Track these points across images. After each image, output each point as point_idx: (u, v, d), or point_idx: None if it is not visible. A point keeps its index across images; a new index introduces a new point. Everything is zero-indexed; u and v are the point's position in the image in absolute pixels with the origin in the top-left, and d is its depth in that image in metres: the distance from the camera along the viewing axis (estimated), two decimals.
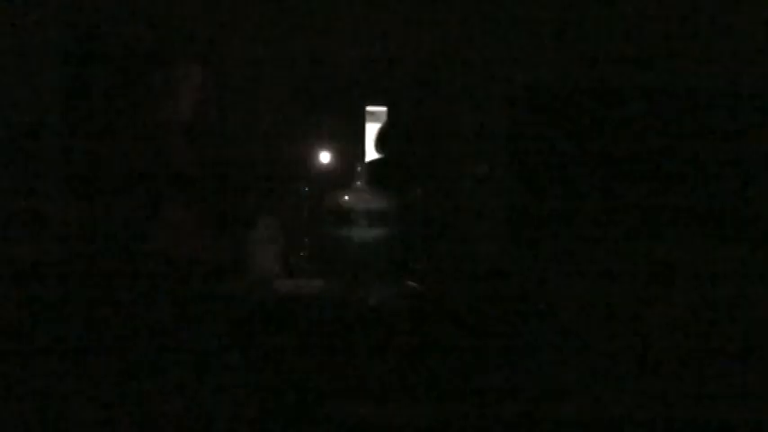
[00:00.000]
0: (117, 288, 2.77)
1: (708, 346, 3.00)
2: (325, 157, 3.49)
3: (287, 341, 2.73)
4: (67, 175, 3.10)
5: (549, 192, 3.63)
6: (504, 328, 2.85)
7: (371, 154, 3.73)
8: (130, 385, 2.71)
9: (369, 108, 3.80)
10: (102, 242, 2.99)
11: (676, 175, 3.66)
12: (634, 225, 3.65)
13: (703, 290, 3.20)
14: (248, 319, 2.77)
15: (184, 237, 3.03)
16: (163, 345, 2.71)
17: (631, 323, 3.06)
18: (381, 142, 3.62)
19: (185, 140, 2.95)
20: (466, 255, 3.34)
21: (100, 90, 3.10)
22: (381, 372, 2.73)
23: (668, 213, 3.64)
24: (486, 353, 2.80)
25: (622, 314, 3.08)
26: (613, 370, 2.88)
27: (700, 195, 3.64)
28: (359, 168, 2.91)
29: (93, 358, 2.71)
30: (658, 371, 2.93)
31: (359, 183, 2.91)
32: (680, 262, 3.39)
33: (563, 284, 3.17)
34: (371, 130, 3.75)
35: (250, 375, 2.74)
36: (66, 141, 3.15)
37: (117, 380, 2.71)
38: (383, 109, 3.76)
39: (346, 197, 2.86)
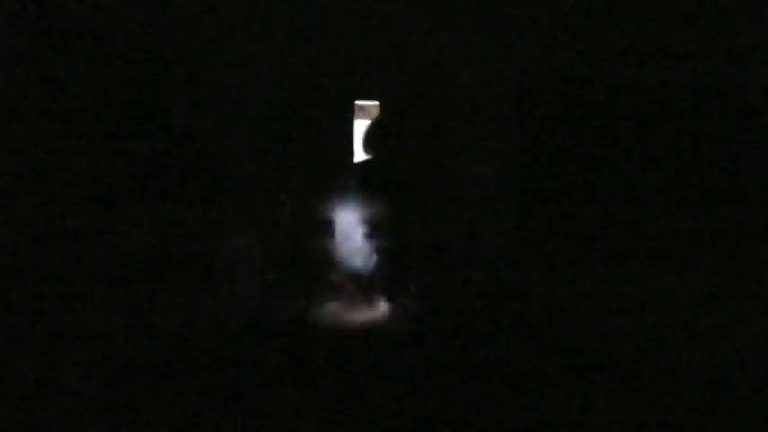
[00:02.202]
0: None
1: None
2: (307, 158, 3.26)
3: (262, 369, 2.60)
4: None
5: (563, 198, 3.42)
6: (510, 351, 2.78)
7: (360, 155, 3.43)
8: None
9: (358, 102, 3.53)
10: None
11: (701, 178, 3.50)
12: (653, 237, 3.47)
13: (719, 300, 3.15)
14: (219, 343, 2.56)
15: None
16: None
17: (647, 341, 3.02)
18: (371, 141, 3.39)
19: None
20: (468, 270, 3.09)
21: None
22: (372, 404, 2.59)
23: (691, 222, 3.50)
24: (490, 381, 2.70)
25: (639, 335, 3.04)
26: (625, 395, 2.82)
27: (724, 201, 3.51)
28: (346, 172, 2.67)
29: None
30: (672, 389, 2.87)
31: (346, 188, 2.74)
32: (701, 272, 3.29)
33: (577, 302, 3.07)
34: (361, 127, 3.49)
35: (223, 409, 2.58)
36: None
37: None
38: (374, 104, 3.51)
39: (331, 205, 2.69)
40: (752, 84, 3.56)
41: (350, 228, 2.67)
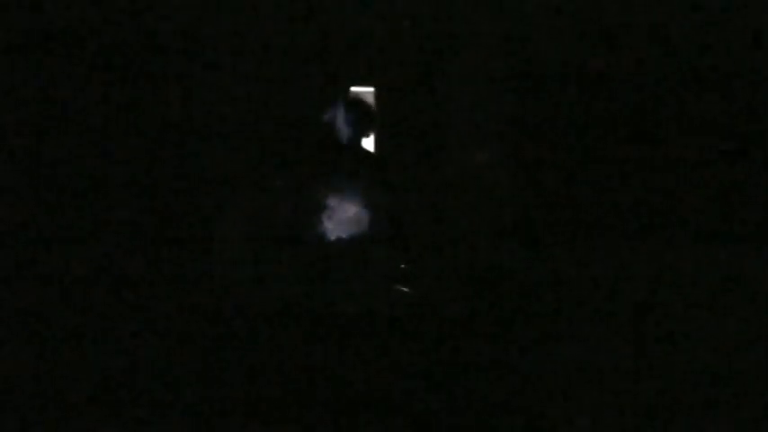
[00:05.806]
0: None
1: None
2: (302, 144, 3.24)
3: (258, 357, 2.57)
4: None
5: (556, 184, 3.41)
6: (503, 335, 2.77)
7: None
8: None
9: (353, 89, 3.52)
10: None
11: (690, 168, 3.49)
12: (647, 223, 3.46)
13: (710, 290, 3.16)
14: (212, 332, 2.55)
15: None
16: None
17: (638, 328, 3.00)
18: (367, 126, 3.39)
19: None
20: (462, 255, 3.09)
21: None
22: (366, 387, 2.57)
23: (680, 209, 3.49)
24: (483, 364, 2.67)
25: (628, 319, 3.03)
26: (615, 379, 2.78)
27: (712, 190, 3.49)
28: (342, 158, 2.67)
29: None
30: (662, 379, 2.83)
31: (341, 175, 2.69)
32: (688, 261, 3.29)
33: (569, 286, 3.05)
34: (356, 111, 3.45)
35: (220, 396, 2.55)
36: None
37: None
38: (370, 90, 3.47)
39: (327, 192, 2.66)
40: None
41: (345, 212, 2.66)
